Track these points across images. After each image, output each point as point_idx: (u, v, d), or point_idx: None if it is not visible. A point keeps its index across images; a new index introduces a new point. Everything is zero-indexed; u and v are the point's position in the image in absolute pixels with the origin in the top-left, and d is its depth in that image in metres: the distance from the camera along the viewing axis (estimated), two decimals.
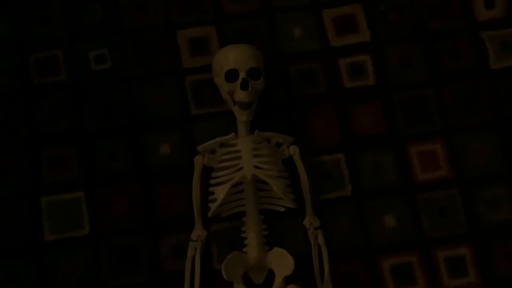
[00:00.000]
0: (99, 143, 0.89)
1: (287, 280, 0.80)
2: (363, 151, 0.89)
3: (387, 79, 0.93)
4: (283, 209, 0.85)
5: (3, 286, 0.83)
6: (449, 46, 0.94)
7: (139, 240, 0.85)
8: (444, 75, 0.93)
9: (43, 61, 0.93)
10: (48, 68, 0.92)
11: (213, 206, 0.83)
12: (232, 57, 0.84)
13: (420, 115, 0.91)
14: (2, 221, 0.85)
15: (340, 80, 0.93)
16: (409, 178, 0.88)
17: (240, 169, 0.82)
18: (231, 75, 0.84)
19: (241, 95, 0.83)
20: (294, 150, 0.86)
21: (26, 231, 0.85)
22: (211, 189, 0.84)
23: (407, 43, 0.94)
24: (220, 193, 0.82)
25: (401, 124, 0.91)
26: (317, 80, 0.92)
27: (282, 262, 0.81)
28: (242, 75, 0.83)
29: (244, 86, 0.83)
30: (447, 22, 0.95)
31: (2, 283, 0.83)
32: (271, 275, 0.82)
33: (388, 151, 0.89)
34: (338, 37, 0.94)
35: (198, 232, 0.84)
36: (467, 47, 0.94)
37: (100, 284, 0.84)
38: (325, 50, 0.94)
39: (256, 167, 0.82)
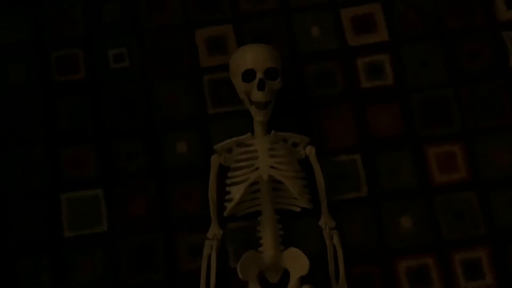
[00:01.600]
0: (117, 141, 0.90)
1: (302, 280, 0.80)
2: (380, 152, 0.89)
3: (405, 80, 0.92)
4: (299, 209, 0.85)
5: (23, 281, 0.84)
6: (469, 46, 0.93)
7: (156, 238, 0.86)
8: (463, 75, 0.92)
9: (63, 59, 0.94)
10: (68, 66, 0.93)
11: (229, 206, 0.83)
12: (250, 57, 0.84)
13: (438, 116, 0.90)
14: (23, 218, 0.87)
15: (357, 80, 0.92)
16: (426, 180, 0.88)
17: (256, 169, 0.82)
18: (248, 75, 0.84)
19: (257, 95, 0.83)
20: (310, 151, 0.86)
21: (46, 227, 0.87)
22: (227, 188, 0.84)
23: (426, 43, 0.93)
24: (236, 192, 0.82)
25: (419, 125, 0.90)
26: (334, 80, 0.92)
27: (297, 262, 0.81)
28: (259, 75, 0.84)
29: (261, 86, 0.83)
30: (467, 21, 0.94)
31: (22, 278, 0.84)
32: (286, 275, 0.82)
33: (406, 152, 0.89)
34: (356, 36, 0.94)
35: (214, 231, 0.84)
36: (486, 47, 0.93)
37: (117, 281, 0.85)
38: (342, 50, 0.93)
39: (272, 167, 0.82)
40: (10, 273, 0.85)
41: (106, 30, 0.95)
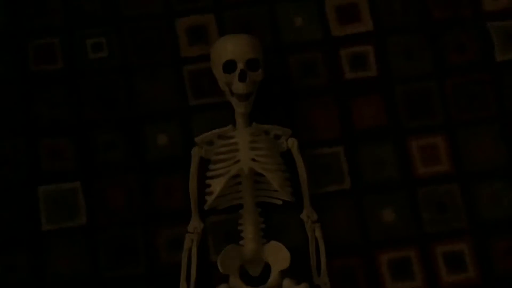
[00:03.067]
0: (96, 133, 0.89)
1: (284, 273, 0.80)
2: (363, 144, 0.88)
3: (389, 71, 0.91)
4: (281, 202, 0.84)
5: (1, 276, 0.83)
6: (454, 37, 0.92)
7: (136, 231, 0.85)
8: (448, 67, 0.91)
9: (40, 48, 0.92)
10: (45, 56, 0.92)
11: (209, 199, 0.82)
12: (230, 47, 0.82)
13: (422, 108, 0.90)
14: (0, 211, 0.85)
15: (341, 71, 0.91)
16: (409, 172, 0.87)
17: (237, 161, 0.82)
18: (229, 66, 0.83)
19: (239, 87, 0.82)
20: (292, 143, 0.85)
21: (23, 220, 0.85)
22: (208, 181, 0.83)
23: (411, 34, 0.92)
24: (216, 185, 0.81)
25: (402, 117, 0.89)
26: (318, 71, 0.91)
27: (278, 256, 0.80)
28: (240, 66, 0.82)
29: (242, 77, 0.82)
30: (452, 12, 0.93)
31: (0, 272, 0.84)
32: (267, 268, 0.82)
33: (389, 144, 0.88)
34: (340, 26, 0.93)
35: (194, 224, 0.83)
36: (472, 39, 0.92)
37: (96, 274, 0.84)
38: (326, 40, 0.92)
39: (253, 160, 0.81)
40: None
41: (85, 19, 0.93)
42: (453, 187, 0.87)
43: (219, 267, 0.79)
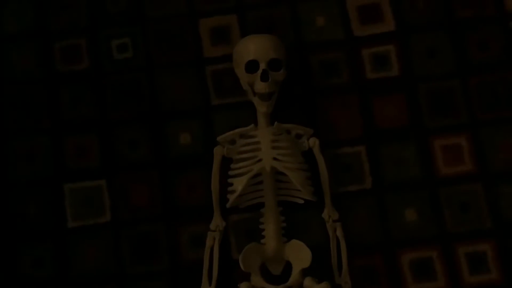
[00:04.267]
0: (120, 131, 0.90)
1: (305, 272, 0.80)
2: (385, 143, 0.88)
3: (411, 70, 0.91)
4: (302, 201, 0.84)
5: (27, 271, 0.85)
6: (477, 36, 0.91)
7: (159, 228, 0.86)
8: (471, 66, 0.90)
9: (66, 49, 0.94)
10: (71, 56, 0.93)
11: (231, 197, 0.83)
12: (253, 48, 0.83)
13: (445, 107, 0.89)
14: (27, 207, 0.87)
15: (363, 70, 0.91)
16: (432, 171, 0.87)
17: (259, 160, 0.82)
18: (252, 66, 0.84)
19: (261, 86, 0.82)
20: (314, 142, 0.85)
21: (49, 217, 0.87)
22: (230, 180, 0.84)
23: (434, 33, 0.92)
24: (238, 184, 0.82)
25: (425, 117, 0.89)
26: (340, 70, 0.91)
27: (299, 255, 0.81)
28: (262, 66, 0.83)
29: (264, 77, 0.82)
30: (476, 11, 0.92)
31: (26, 267, 0.85)
32: (288, 267, 0.82)
33: (411, 144, 0.88)
34: (362, 26, 0.92)
35: (216, 222, 0.84)
36: (495, 38, 0.91)
37: (120, 270, 0.85)
38: (348, 40, 0.92)
39: (275, 159, 0.82)
40: (14, 263, 0.85)
41: (110, 20, 0.95)
42: (476, 187, 0.86)
43: (241, 265, 0.80)
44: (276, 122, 0.84)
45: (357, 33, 0.92)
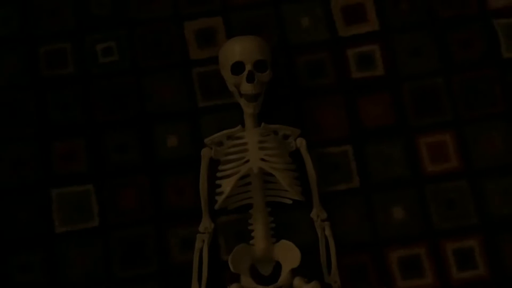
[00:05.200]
0: (107, 135, 0.90)
1: (294, 272, 0.81)
2: (371, 142, 0.89)
3: (396, 69, 0.92)
4: (290, 202, 0.85)
5: (15, 277, 0.85)
6: (460, 34, 0.92)
7: (148, 232, 0.86)
8: (455, 64, 0.91)
9: (52, 53, 0.93)
10: (56, 60, 0.93)
11: (220, 199, 0.83)
12: (238, 49, 0.83)
13: (429, 105, 0.90)
14: (14, 213, 0.87)
15: (348, 70, 0.92)
16: (418, 169, 0.87)
17: (246, 161, 0.82)
18: (237, 67, 0.84)
19: (247, 88, 0.83)
20: (301, 142, 0.86)
21: (37, 222, 0.87)
22: (218, 181, 0.84)
23: (417, 32, 0.93)
24: (226, 185, 0.82)
25: (410, 115, 0.90)
26: (325, 71, 0.92)
27: (289, 255, 0.81)
28: (248, 67, 0.83)
29: (250, 78, 0.83)
30: (458, 10, 0.93)
31: (14, 273, 0.85)
32: (278, 267, 0.82)
33: (397, 142, 0.89)
34: (346, 26, 0.93)
35: (205, 224, 0.84)
36: (478, 36, 0.92)
37: (109, 275, 0.85)
38: (333, 40, 0.93)
39: (263, 159, 0.82)
40: (1, 269, 0.85)
41: (95, 24, 0.94)
42: (462, 184, 0.87)
43: (230, 267, 0.80)
44: (263, 123, 0.85)
45: (342, 33, 0.93)
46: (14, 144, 0.90)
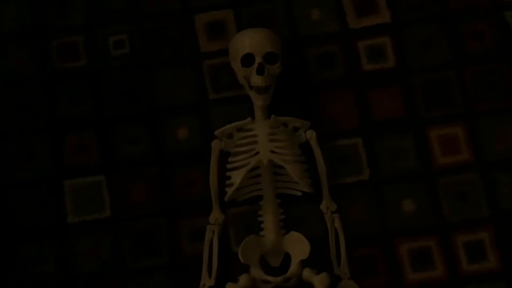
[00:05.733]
0: (119, 128, 0.91)
1: (304, 263, 0.81)
2: (382, 135, 0.89)
3: (407, 62, 0.91)
4: (300, 194, 0.85)
5: (28, 268, 0.86)
6: (472, 27, 0.92)
7: (159, 223, 0.87)
8: (466, 57, 0.91)
9: (64, 46, 0.94)
10: (68, 53, 0.94)
11: (229, 191, 0.83)
12: (248, 41, 0.84)
13: (441, 98, 0.90)
14: (27, 204, 0.88)
15: (358, 63, 0.92)
16: (429, 162, 0.87)
17: (256, 153, 0.83)
18: (248, 59, 0.84)
19: (257, 80, 0.83)
20: (311, 135, 0.86)
21: (49, 213, 0.88)
22: (228, 173, 0.84)
23: (429, 24, 0.92)
24: (236, 177, 0.83)
25: (421, 108, 0.89)
26: (335, 63, 0.92)
27: (298, 246, 0.81)
28: (258, 59, 0.83)
29: (260, 71, 0.83)
30: (470, 2, 0.92)
31: (27, 264, 0.86)
32: (287, 258, 0.83)
33: (408, 135, 0.88)
34: (357, 18, 0.93)
35: (215, 215, 0.85)
36: (490, 28, 0.91)
37: (121, 265, 0.86)
38: (343, 33, 0.93)
39: (272, 151, 0.82)
40: (14, 260, 0.86)
41: (107, 17, 0.95)
42: (473, 177, 0.86)
43: (240, 258, 0.80)
44: (273, 115, 0.85)
45: (353, 25, 0.93)
46: (27, 137, 0.91)
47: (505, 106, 0.89)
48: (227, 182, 0.84)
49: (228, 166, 0.84)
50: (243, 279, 0.79)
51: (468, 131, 0.88)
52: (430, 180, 0.87)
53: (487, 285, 0.82)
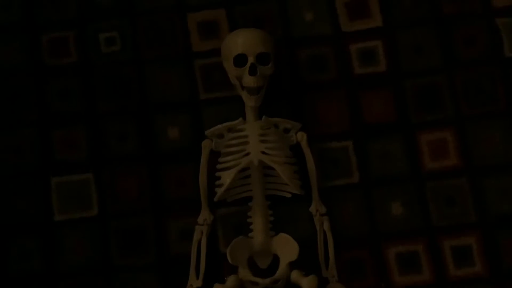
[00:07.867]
0: (108, 125, 0.90)
1: (292, 265, 0.81)
2: (372, 138, 0.89)
3: (398, 66, 0.92)
4: (290, 195, 0.85)
5: (13, 264, 0.85)
6: (463, 32, 0.92)
7: (146, 222, 0.86)
8: (457, 62, 0.91)
9: (54, 42, 0.93)
10: (59, 49, 0.93)
11: (219, 191, 0.83)
12: (241, 41, 0.83)
13: (431, 102, 0.90)
14: (13, 200, 0.87)
15: (350, 66, 0.92)
16: (418, 166, 0.88)
17: (247, 154, 0.82)
18: (240, 59, 0.84)
19: (249, 80, 0.83)
20: (301, 136, 0.86)
21: (36, 210, 0.87)
22: (217, 173, 0.84)
23: (420, 29, 0.93)
24: (226, 178, 0.82)
25: (412, 112, 0.90)
26: (327, 65, 0.92)
27: (287, 248, 0.81)
28: (250, 60, 0.83)
29: (252, 71, 0.82)
30: (462, 7, 0.93)
31: (12, 260, 0.85)
32: (276, 260, 0.83)
33: (397, 138, 0.89)
34: (350, 22, 0.93)
35: (204, 216, 0.84)
36: (481, 34, 0.92)
37: (107, 264, 0.85)
38: (336, 35, 0.93)
39: (263, 152, 0.82)
40: (1, 256, 0.85)
41: (98, 13, 0.94)
42: (461, 181, 0.87)
43: (228, 259, 0.80)
44: (264, 116, 0.85)
45: (345, 28, 0.93)
46: (15, 131, 0.90)
47: (494, 112, 0.89)
48: (217, 182, 0.84)
49: (218, 166, 0.84)
50: (231, 280, 0.79)
51: (457, 136, 0.88)
52: (419, 184, 0.87)
53: None
